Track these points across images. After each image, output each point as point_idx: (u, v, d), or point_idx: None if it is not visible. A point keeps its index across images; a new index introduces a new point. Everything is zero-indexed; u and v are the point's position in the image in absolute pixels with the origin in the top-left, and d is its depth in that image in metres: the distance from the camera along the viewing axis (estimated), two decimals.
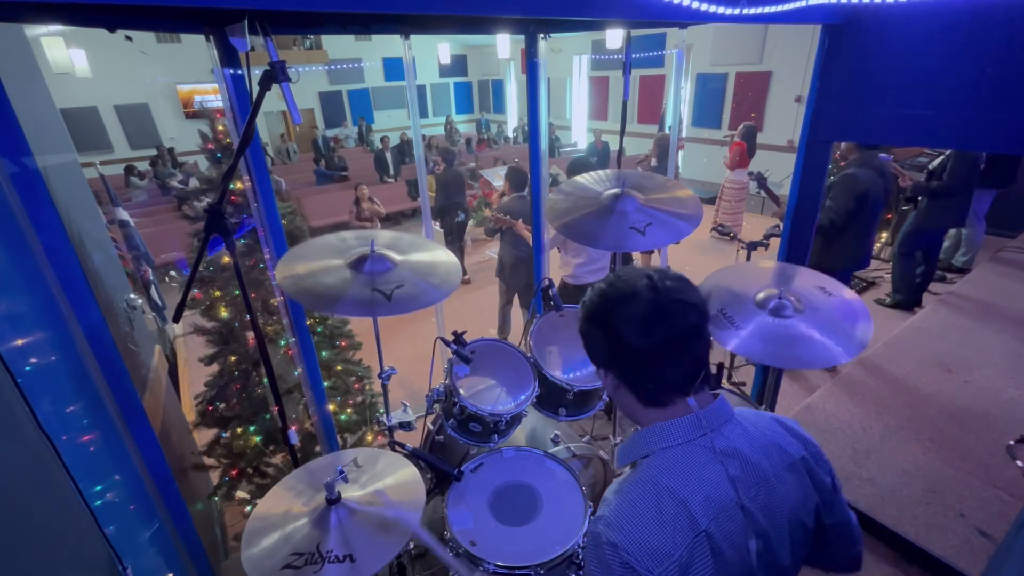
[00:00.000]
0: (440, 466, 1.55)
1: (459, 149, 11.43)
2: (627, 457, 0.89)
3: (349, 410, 2.79)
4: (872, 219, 3.38)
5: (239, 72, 1.53)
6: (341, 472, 1.27)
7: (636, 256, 4.94)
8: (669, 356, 0.81)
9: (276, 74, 1.04)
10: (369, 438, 2.84)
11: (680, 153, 8.44)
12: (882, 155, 3.43)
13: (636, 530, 0.77)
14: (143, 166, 10.06)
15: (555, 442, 1.86)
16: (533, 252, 4.03)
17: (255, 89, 1.08)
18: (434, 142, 11.60)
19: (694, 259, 6.21)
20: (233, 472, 2.57)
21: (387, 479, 1.37)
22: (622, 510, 0.80)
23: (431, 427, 1.94)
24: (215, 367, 2.59)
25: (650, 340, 0.80)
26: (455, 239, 6.30)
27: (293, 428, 1.57)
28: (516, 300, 4.34)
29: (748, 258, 2.92)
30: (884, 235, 5.82)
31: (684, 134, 10.28)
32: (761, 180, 3.53)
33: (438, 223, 6.34)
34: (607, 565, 0.77)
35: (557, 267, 3.46)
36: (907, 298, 4.43)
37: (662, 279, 0.82)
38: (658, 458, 0.83)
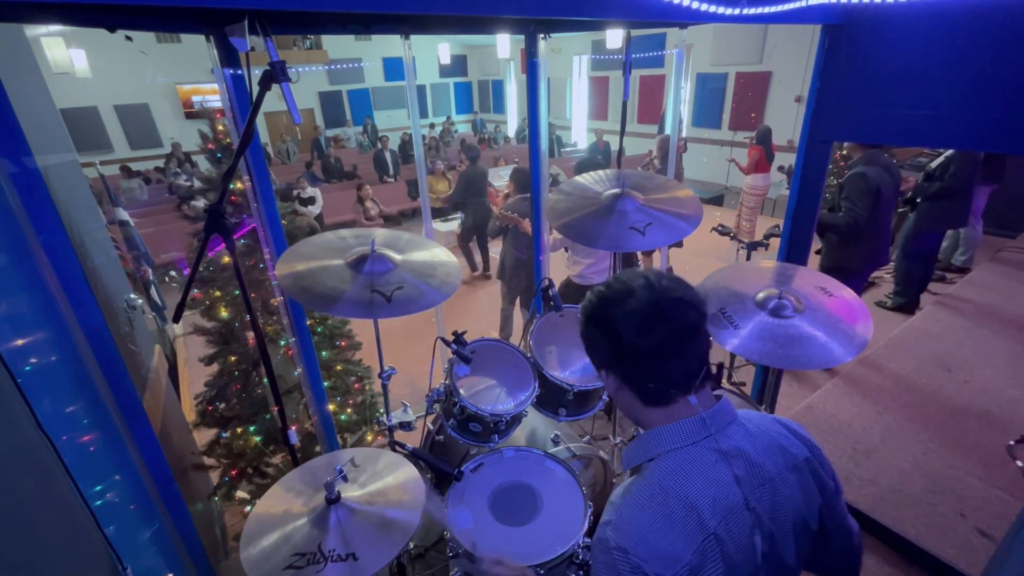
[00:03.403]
0: (440, 466, 1.55)
1: (455, 149, 11.45)
2: (632, 461, 0.89)
3: (349, 410, 2.79)
4: (887, 217, 3.34)
5: (239, 72, 1.53)
6: (340, 471, 1.27)
7: (639, 256, 4.94)
8: (669, 353, 0.82)
9: (276, 74, 1.04)
10: (369, 438, 2.84)
11: (682, 155, 8.39)
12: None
13: (646, 534, 0.77)
14: (144, 166, 10.00)
15: (555, 442, 1.86)
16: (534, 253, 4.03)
17: (255, 89, 1.08)
18: (432, 143, 11.59)
19: (694, 259, 6.21)
20: (233, 472, 2.57)
21: (387, 479, 1.37)
22: (631, 514, 0.79)
23: (431, 427, 1.94)
24: (215, 367, 2.59)
25: (650, 338, 0.80)
26: (469, 236, 6.33)
27: (293, 428, 1.57)
28: (518, 302, 4.33)
29: (748, 258, 2.92)
30: None
31: (684, 134, 10.29)
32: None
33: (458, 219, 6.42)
34: (616, 570, 0.76)
35: (561, 267, 3.46)
36: (909, 301, 4.41)
37: (658, 279, 0.84)
38: (664, 461, 0.83)
